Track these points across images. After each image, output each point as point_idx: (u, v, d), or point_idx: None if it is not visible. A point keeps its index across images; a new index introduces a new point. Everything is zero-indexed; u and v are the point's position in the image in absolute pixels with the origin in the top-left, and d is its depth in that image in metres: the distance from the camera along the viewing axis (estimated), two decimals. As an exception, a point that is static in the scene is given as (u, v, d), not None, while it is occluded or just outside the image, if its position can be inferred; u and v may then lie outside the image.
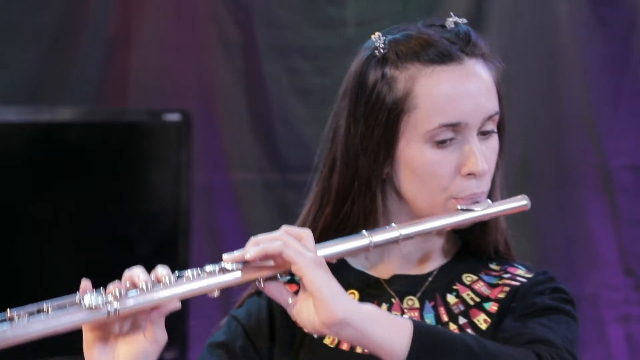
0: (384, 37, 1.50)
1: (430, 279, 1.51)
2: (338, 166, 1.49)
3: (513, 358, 1.35)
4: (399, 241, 1.42)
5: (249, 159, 3.29)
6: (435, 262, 1.53)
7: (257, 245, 1.35)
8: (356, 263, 1.54)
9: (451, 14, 1.54)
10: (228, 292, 1.41)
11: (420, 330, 1.32)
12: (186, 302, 1.38)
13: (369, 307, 1.33)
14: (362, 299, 1.50)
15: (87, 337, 1.35)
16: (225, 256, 1.35)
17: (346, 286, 1.43)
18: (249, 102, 3.30)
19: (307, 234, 1.36)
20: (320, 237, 1.46)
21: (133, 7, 3.20)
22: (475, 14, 3.26)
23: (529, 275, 1.53)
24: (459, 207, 1.46)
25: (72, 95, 3.10)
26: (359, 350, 1.45)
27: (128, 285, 1.33)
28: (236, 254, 1.35)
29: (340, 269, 1.47)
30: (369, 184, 1.47)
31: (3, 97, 3.02)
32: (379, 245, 1.41)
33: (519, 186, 3.24)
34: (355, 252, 1.42)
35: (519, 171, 3.27)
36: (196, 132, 3.04)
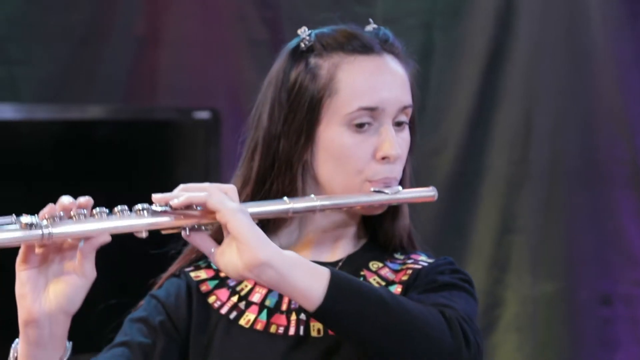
0: (310, 31, 1.62)
1: (340, 264, 1.59)
2: (259, 149, 1.58)
3: (420, 310, 1.43)
4: (317, 211, 1.51)
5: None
6: (344, 250, 1.61)
7: (184, 193, 1.41)
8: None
9: (370, 20, 1.66)
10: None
11: (336, 278, 1.40)
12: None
13: (290, 253, 1.41)
14: None
15: (20, 277, 1.39)
16: (154, 196, 1.42)
17: None
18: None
19: (231, 189, 1.44)
20: None
21: (161, 5, 3.21)
22: (505, 11, 3.24)
23: (430, 260, 1.62)
24: (372, 189, 1.55)
25: (101, 93, 3.11)
26: (272, 330, 1.52)
27: (62, 214, 1.38)
28: (165, 195, 1.42)
29: None
30: (289, 165, 1.56)
31: (33, 95, 3.04)
32: (298, 212, 1.49)
33: (549, 184, 3.25)
34: (275, 214, 1.49)
35: (549, 169, 3.25)
36: (225, 130, 3.04)
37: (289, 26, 3.27)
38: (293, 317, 1.53)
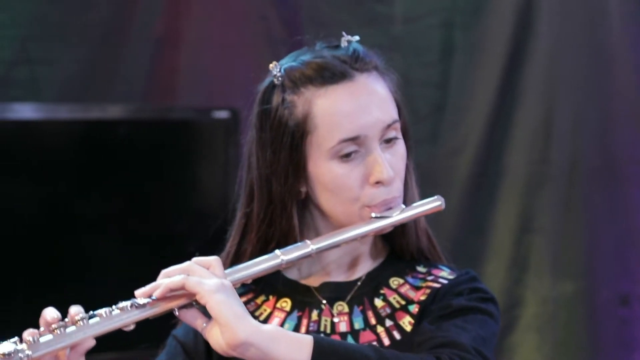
0: (280, 66, 1.59)
1: (358, 284, 1.60)
2: (255, 192, 1.58)
3: None
4: (313, 255, 1.51)
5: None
6: (364, 268, 1.61)
7: (164, 279, 1.42)
8: (289, 272, 1.62)
9: (343, 33, 1.61)
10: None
11: (320, 345, 1.39)
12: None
13: (269, 327, 1.41)
14: (295, 307, 1.59)
15: None
16: (137, 292, 1.43)
17: (279, 295, 1.59)
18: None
19: (215, 262, 1.45)
20: (251, 259, 1.54)
21: (181, 5, 3.21)
22: (525, 10, 3.23)
23: (450, 277, 1.60)
24: (372, 215, 1.54)
25: (121, 93, 3.12)
26: None
27: (42, 329, 1.40)
28: (147, 289, 1.43)
29: (273, 279, 1.59)
30: (283, 205, 1.56)
31: (53, 94, 3.05)
32: (292, 262, 1.51)
33: (568, 184, 3.24)
34: (268, 271, 1.50)
35: (568, 169, 3.24)
36: (243, 130, 3.04)
37: (309, 26, 3.27)
38: None
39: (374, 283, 1.59)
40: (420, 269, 1.62)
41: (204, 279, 1.41)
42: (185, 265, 1.44)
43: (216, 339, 1.40)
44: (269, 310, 1.59)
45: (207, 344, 1.53)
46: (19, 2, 2.99)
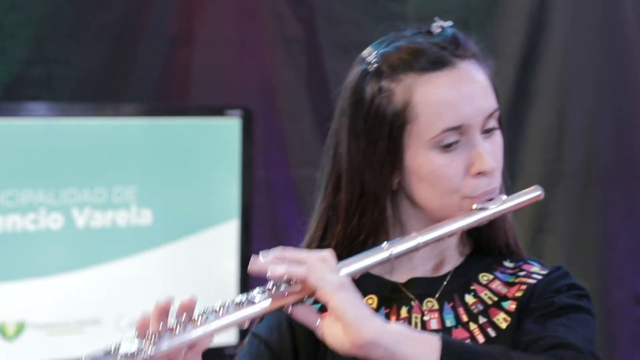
0: (375, 51, 1.52)
1: (447, 279, 1.54)
2: (343, 183, 1.51)
3: None
4: (419, 248, 1.45)
5: (311, 155, 3.29)
6: (451, 263, 1.55)
7: (283, 263, 1.36)
8: (373, 269, 1.53)
9: (435, 18, 1.56)
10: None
11: (448, 346, 1.34)
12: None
13: (396, 327, 1.36)
14: (382, 304, 1.53)
15: None
16: (251, 266, 1.36)
17: (364, 292, 1.47)
18: (311, 99, 3.30)
19: (329, 256, 1.38)
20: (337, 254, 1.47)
21: (195, 4, 3.22)
22: (539, 10, 3.23)
23: (544, 272, 1.54)
24: (474, 206, 1.48)
25: (134, 92, 3.13)
26: None
27: (160, 328, 1.35)
28: (265, 261, 1.36)
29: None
30: (376, 198, 1.50)
31: (68, 94, 3.06)
32: (400, 255, 1.44)
33: (583, 184, 3.23)
34: (377, 265, 1.44)
35: (583, 168, 3.23)
36: (258, 129, 3.05)
37: (323, 25, 3.27)
38: None
39: (463, 279, 1.53)
40: (507, 263, 1.56)
41: (325, 275, 1.35)
42: (303, 254, 1.37)
43: (337, 338, 1.33)
44: None
45: (292, 341, 1.51)
46: (33, 1, 3.00)
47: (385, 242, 1.44)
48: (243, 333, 1.56)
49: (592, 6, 3.23)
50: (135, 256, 2.88)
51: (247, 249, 2.98)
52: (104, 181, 2.85)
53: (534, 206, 3.22)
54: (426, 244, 1.45)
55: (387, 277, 1.55)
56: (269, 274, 1.36)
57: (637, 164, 3.23)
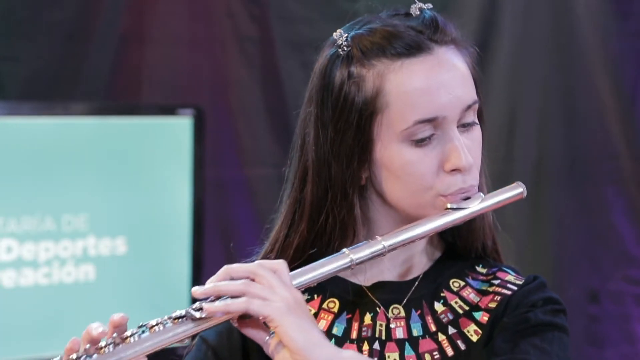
0: (346, 34, 1.39)
1: (415, 285, 1.42)
2: (310, 176, 1.39)
3: None
4: (385, 254, 1.34)
5: (264, 154, 3.28)
6: (419, 266, 1.44)
7: (226, 300, 1.26)
8: None
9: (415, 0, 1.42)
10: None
11: None
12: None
13: (348, 354, 1.27)
14: (344, 308, 1.42)
15: None
16: (195, 291, 1.27)
17: (326, 295, 1.40)
18: (264, 97, 3.29)
19: (281, 266, 1.28)
20: (295, 254, 1.40)
21: (146, 2, 3.19)
22: (489, 9, 3.24)
23: (519, 282, 1.43)
24: (448, 206, 1.36)
25: (85, 91, 3.10)
26: None
27: (88, 347, 1.25)
28: (206, 289, 1.27)
29: None
30: (344, 193, 1.37)
31: (18, 92, 3.03)
32: (363, 261, 1.33)
33: (534, 182, 3.24)
34: (337, 273, 1.33)
35: (534, 167, 3.25)
36: (210, 128, 3.03)
37: (277, 23, 3.26)
38: (365, 346, 1.39)
39: (433, 284, 1.41)
40: (480, 269, 1.44)
41: (269, 298, 1.24)
42: (252, 267, 1.26)
43: (284, 358, 1.24)
44: (313, 311, 1.41)
45: (243, 347, 1.40)
46: (-19, -1, 2.97)
47: (345, 249, 1.33)
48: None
49: (542, 7, 3.25)
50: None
51: (199, 249, 2.97)
52: (54, 180, 2.82)
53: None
54: (392, 249, 1.34)
55: (352, 279, 1.43)
56: (205, 307, 1.26)
57: (587, 162, 3.25)
